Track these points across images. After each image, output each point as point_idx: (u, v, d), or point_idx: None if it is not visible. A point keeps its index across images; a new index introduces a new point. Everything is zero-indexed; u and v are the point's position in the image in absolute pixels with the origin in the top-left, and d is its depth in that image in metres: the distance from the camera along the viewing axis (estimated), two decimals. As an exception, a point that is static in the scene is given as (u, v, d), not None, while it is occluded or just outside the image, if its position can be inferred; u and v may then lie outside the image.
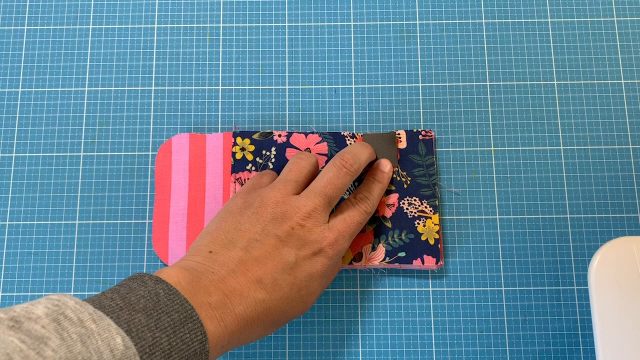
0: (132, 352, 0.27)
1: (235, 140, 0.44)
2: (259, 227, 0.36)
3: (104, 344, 0.26)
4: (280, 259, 0.35)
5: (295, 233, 0.36)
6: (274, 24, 0.48)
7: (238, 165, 0.44)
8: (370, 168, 0.43)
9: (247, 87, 0.47)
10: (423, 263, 0.42)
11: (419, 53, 0.47)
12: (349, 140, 0.44)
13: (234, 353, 0.42)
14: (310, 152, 0.44)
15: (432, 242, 0.42)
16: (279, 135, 0.44)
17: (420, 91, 0.46)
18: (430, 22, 0.47)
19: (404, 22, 0.47)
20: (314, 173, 0.41)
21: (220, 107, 0.46)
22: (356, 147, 0.41)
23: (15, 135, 0.46)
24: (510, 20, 0.47)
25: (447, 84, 0.46)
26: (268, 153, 0.44)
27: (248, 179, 0.43)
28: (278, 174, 0.43)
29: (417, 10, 0.48)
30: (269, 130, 0.45)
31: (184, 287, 0.32)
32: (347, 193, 0.43)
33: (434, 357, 0.42)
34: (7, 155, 0.45)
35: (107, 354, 0.26)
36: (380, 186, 0.42)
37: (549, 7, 0.48)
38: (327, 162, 0.44)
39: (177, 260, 0.42)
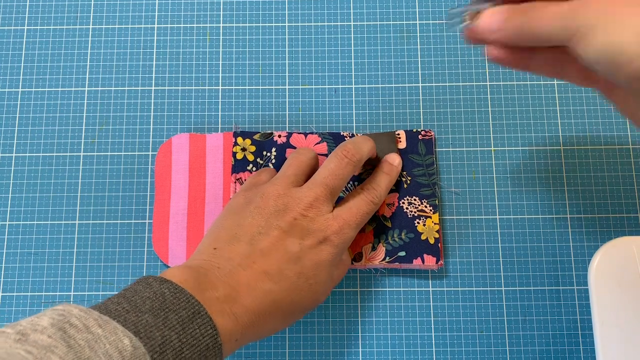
0: (142, 351, 0.27)
1: (236, 140, 0.44)
2: (262, 221, 0.36)
3: (112, 347, 0.27)
4: (285, 249, 0.35)
5: (298, 223, 0.36)
6: (274, 24, 0.48)
7: (239, 166, 0.44)
8: (381, 161, 0.43)
9: (247, 87, 0.47)
10: (423, 262, 0.42)
11: (419, 53, 0.47)
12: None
13: (233, 353, 0.42)
14: (310, 151, 0.44)
15: (432, 241, 0.42)
16: (279, 136, 0.44)
17: (420, 91, 0.46)
18: (430, 22, 0.47)
19: (404, 22, 0.47)
20: (313, 167, 0.41)
21: (220, 107, 0.46)
22: (358, 139, 0.41)
23: (15, 135, 0.46)
24: (510, 20, 0.47)
25: (447, 84, 0.46)
26: (268, 154, 0.44)
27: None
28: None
29: (417, 10, 0.48)
30: (269, 132, 0.45)
31: (191, 285, 0.32)
32: (348, 192, 0.43)
33: (434, 357, 0.42)
34: (7, 155, 0.45)
35: (116, 356, 0.27)
36: (388, 178, 0.42)
37: (549, 7, 0.47)
38: (327, 162, 0.44)
39: (177, 260, 0.43)
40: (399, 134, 0.44)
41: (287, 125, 0.46)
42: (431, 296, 0.43)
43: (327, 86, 0.46)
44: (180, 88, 0.47)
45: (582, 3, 0.26)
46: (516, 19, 0.29)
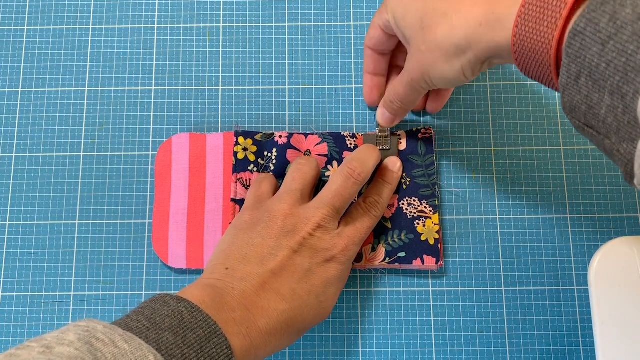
0: None
1: (237, 140, 0.44)
2: (272, 241, 0.37)
3: None
4: (295, 268, 0.36)
5: (306, 243, 0.37)
6: (274, 24, 0.48)
7: (240, 165, 0.44)
8: (380, 168, 0.43)
9: (247, 87, 0.46)
10: (423, 263, 0.42)
11: (419, 53, 0.47)
12: (349, 140, 0.44)
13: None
14: (310, 153, 0.44)
15: (432, 242, 0.42)
16: (280, 137, 0.44)
17: (420, 91, 0.46)
18: (430, 22, 0.47)
19: (404, 22, 0.47)
20: (317, 177, 0.41)
21: (220, 107, 0.46)
22: (364, 153, 0.41)
23: (15, 135, 0.46)
24: (510, 20, 0.47)
25: (447, 84, 0.46)
26: (269, 154, 0.44)
27: (250, 179, 0.43)
28: (279, 175, 0.43)
29: (417, 10, 0.48)
30: (270, 132, 0.45)
31: (209, 305, 0.32)
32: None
33: (434, 357, 0.42)
34: (7, 155, 0.45)
35: None
36: (389, 187, 0.42)
37: (549, 7, 0.47)
38: (327, 162, 0.44)
39: (177, 260, 0.43)
40: (399, 135, 0.44)
41: (287, 125, 0.46)
42: (431, 296, 0.43)
43: (327, 86, 0.46)
44: (180, 88, 0.47)
45: (405, 70, 0.37)
46: (393, 110, 0.41)
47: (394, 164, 0.43)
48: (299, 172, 0.40)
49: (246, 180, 0.43)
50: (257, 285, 0.35)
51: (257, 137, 0.44)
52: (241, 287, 0.35)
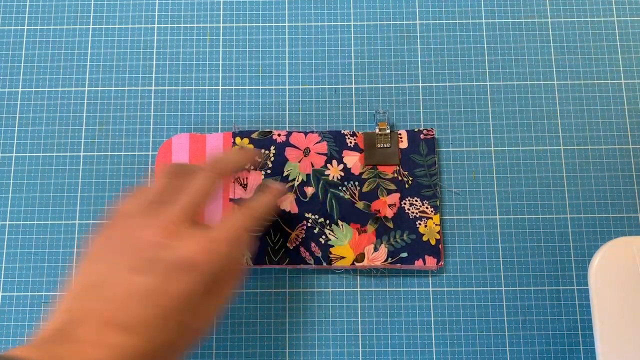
0: None
1: (234, 140, 0.44)
2: (112, 263, 0.31)
3: None
4: (139, 292, 0.30)
5: (151, 257, 0.31)
6: (274, 24, 0.48)
7: (238, 165, 0.44)
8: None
9: (247, 87, 0.46)
10: (425, 263, 0.42)
11: (419, 53, 0.47)
12: (348, 138, 0.44)
13: (233, 353, 0.42)
14: (309, 151, 0.44)
15: (433, 242, 0.42)
16: (279, 135, 0.44)
17: (420, 91, 0.46)
18: (430, 22, 0.47)
19: (404, 22, 0.47)
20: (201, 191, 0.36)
21: (220, 107, 0.46)
22: (223, 154, 0.40)
23: (15, 135, 0.46)
24: (510, 20, 0.47)
25: (447, 84, 0.46)
26: (267, 152, 0.44)
27: (247, 177, 0.43)
28: (276, 173, 0.43)
29: (417, 10, 0.48)
30: (268, 130, 0.45)
31: None
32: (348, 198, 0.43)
33: (434, 357, 0.42)
34: (7, 155, 0.45)
35: None
36: (268, 196, 0.39)
37: (549, 7, 0.48)
38: (326, 161, 0.44)
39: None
40: (400, 134, 0.44)
41: (287, 125, 0.46)
42: (431, 296, 0.43)
43: (327, 86, 0.46)
44: (180, 88, 0.47)
45: None
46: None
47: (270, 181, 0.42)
48: (158, 182, 0.36)
49: (243, 179, 0.43)
50: (100, 324, 0.29)
51: (254, 135, 0.44)
52: (82, 333, 0.29)
